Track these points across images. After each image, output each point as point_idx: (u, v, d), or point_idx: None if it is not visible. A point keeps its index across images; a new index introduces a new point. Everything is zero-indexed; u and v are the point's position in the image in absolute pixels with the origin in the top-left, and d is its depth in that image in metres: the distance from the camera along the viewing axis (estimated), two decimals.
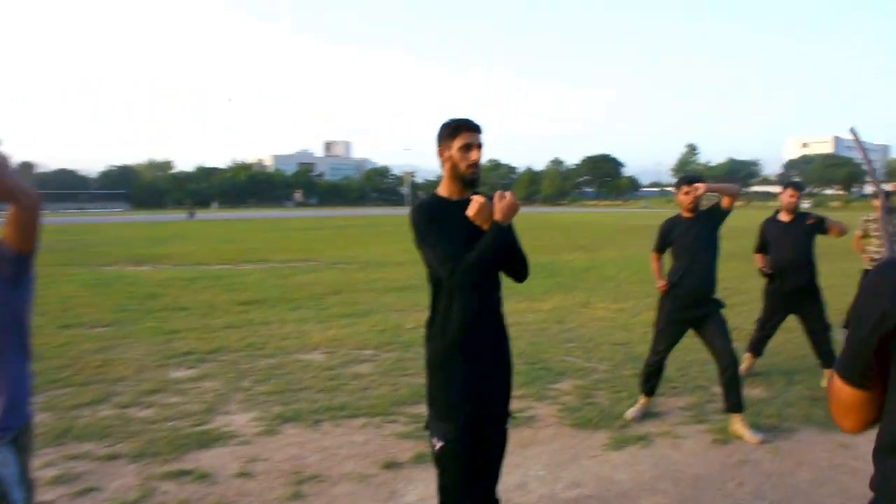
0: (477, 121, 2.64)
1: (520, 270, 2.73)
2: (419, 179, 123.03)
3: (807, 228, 5.91)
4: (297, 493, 3.75)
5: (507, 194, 2.58)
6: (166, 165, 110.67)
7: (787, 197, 5.99)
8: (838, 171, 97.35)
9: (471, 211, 2.55)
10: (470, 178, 2.63)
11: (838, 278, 9.83)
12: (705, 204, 4.98)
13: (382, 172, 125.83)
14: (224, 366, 6.50)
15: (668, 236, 5.05)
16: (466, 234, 2.55)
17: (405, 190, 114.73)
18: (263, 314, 9.26)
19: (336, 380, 5.99)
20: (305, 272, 14.36)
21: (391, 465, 4.14)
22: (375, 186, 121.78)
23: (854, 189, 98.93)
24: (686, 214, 4.93)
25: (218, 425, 4.84)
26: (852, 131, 1.76)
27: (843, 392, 1.38)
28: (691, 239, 4.86)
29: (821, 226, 5.89)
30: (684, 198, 4.84)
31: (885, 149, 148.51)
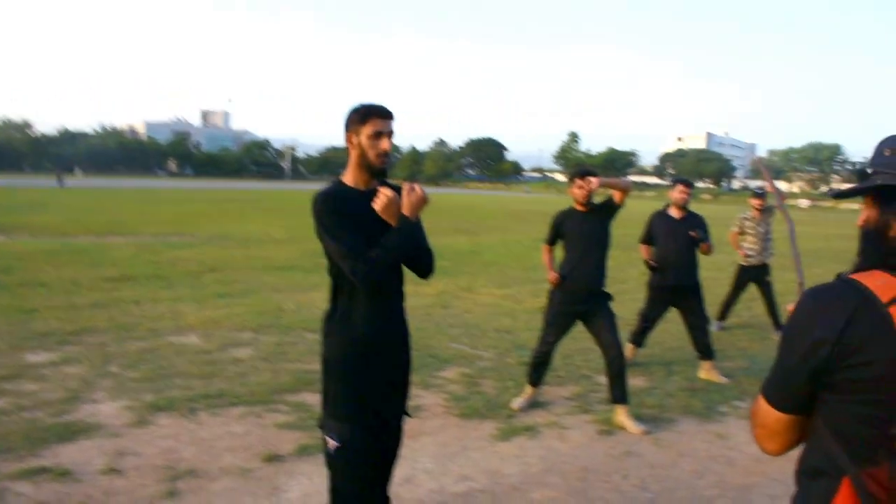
0: (388, 107, 2.53)
1: (424, 268, 2.63)
2: (300, 154, 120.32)
3: (689, 235, 6.12)
4: (171, 491, 3.51)
5: (416, 187, 2.48)
6: (24, 126, 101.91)
7: (677, 193, 6.19)
8: (709, 165, 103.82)
9: (377, 205, 2.44)
10: (379, 168, 2.53)
11: (712, 272, 10.42)
12: (597, 198, 5.06)
13: (262, 145, 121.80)
14: (89, 349, 6.04)
15: (561, 229, 5.10)
16: (373, 226, 2.45)
17: (286, 164, 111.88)
18: (134, 292, 8.70)
19: (213, 365, 5.70)
20: (180, 247, 13.66)
21: (273, 459, 3.96)
22: (255, 159, 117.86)
23: (723, 183, 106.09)
24: (579, 208, 4.99)
25: (82, 416, 4.46)
26: (760, 161, 1.83)
27: (770, 417, 1.38)
28: (583, 233, 4.93)
29: (697, 242, 6.11)
30: (578, 191, 4.89)
31: (752, 147, 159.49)
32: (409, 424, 4.55)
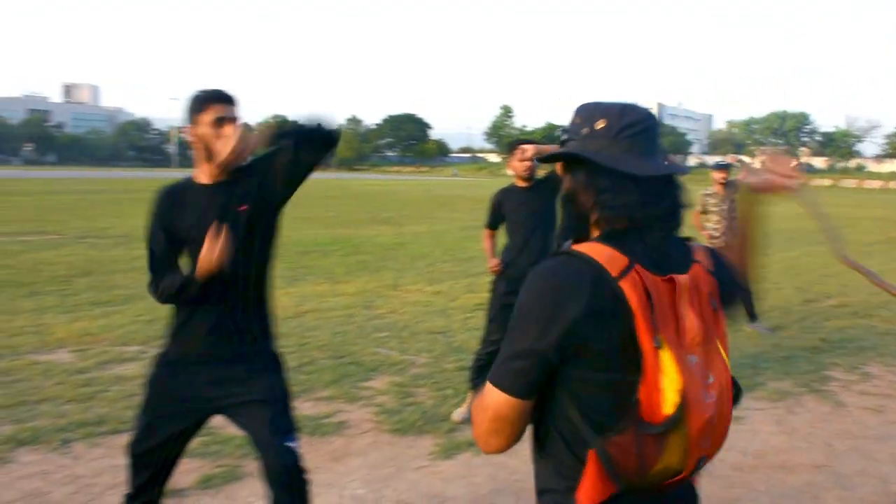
0: (229, 91, 2.65)
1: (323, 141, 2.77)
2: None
3: None
4: None
5: (221, 235, 2.55)
6: None
7: None
8: (662, 139, 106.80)
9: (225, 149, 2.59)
10: (228, 159, 2.62)
11: None
12: (540, 173, 5.04)
13: (142, 126, 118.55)
14: None
15: (501, 209, 5.07)
16: (217, 219, 2.60)
17: (172, 148, 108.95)
18: None
19: (90, 386, 5.44)
20: (43, 248, 13.08)
21: (170, 494, 3.76)
22: (133, 143, 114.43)
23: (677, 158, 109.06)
24: (521, 184, 4.96)
25: None
26: (845, 257, 1.95)
27: (506, 406, 1.47)
28: (528, 212, 4.91)
29: None
30: (519, 164, 4.86)
31: (708, 118, 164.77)
32: (331, 445, 4.46)
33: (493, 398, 1.47)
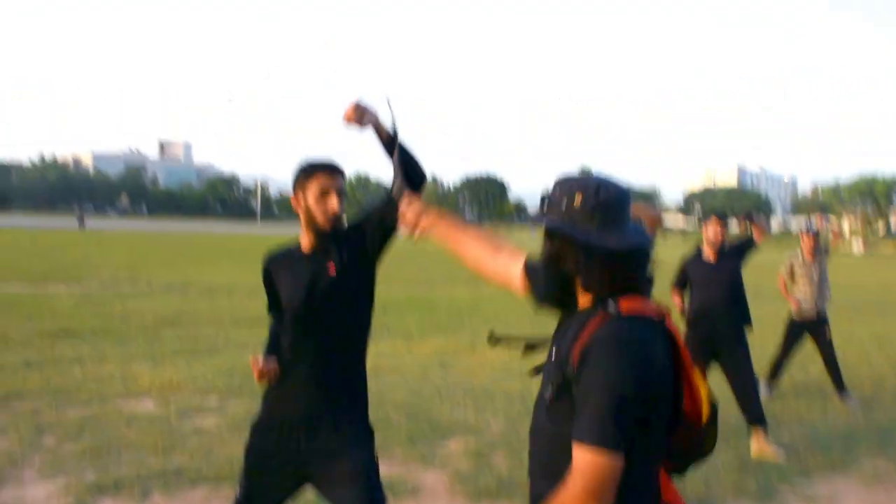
0: (337, 162, 2.66)
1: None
2: (274, 193, 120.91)
3: (733, 261, 6.16)
4: None
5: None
6: None
7: (712, 229, 6.15)
8: (743, 203, 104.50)
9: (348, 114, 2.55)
10: (328, 233, 2.64)
11: (757, 326, 10.23)
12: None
13: (229, 182, 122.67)
14: (19, 417, 5.86)
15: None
16: (311, 290, 2.65)
17: (256, 204, 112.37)
18: (76, 350, 8.54)
19: (171, 436, 5.53)
20: (133, 297, 13.56)
21: None
22: (220, 197, 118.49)
23: None
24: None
25: (6, 500, 4.28)
26: None
27: (609, 464, 1.52)
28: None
29: (748, 240, 6.21)
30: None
31: (793, 181, 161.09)
32: None
33: (593, 460, 1.51)
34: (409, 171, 2.61)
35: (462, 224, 2.26)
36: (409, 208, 2.29)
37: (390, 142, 2.60)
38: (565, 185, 1.72)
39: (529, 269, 2.07)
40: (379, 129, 2.60)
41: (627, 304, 1.66)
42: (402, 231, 2.51)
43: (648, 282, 1.76)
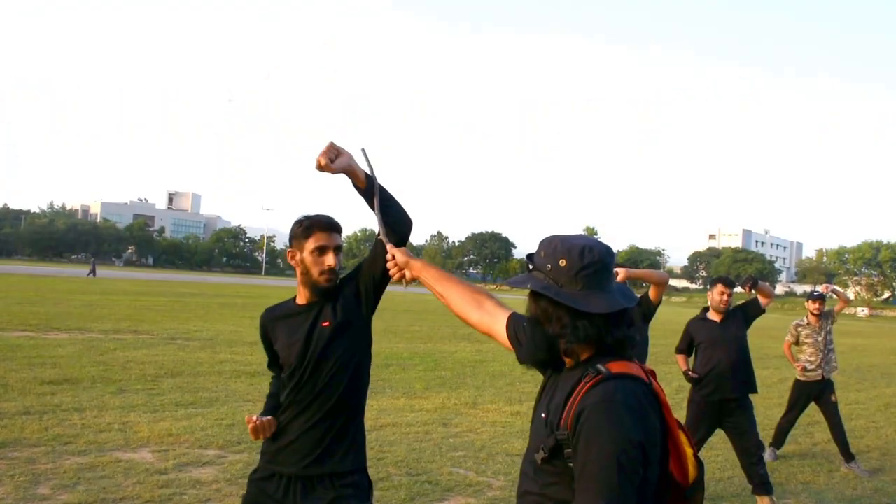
0: (335, 219, 2.69)
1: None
2: (279, 245, 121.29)
3: (739, 324, 6.16)
4: None
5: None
6: None
7: (717, 294, 6.18)
8: (748, 266, 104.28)
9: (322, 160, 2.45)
10: (324, 288, 2.66)
11: (762, 390, 10.17)
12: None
13: (236, 234, 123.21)
14: (15, 465, 5.80)
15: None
16: (304, 345, 2.67)
17: (261, 256, 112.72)
18: (75, 398, 8.48)
19: (169, 487, 5.47)
20: (134, 347, 13.48)
21: None
22: (226, 249, 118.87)
23: None
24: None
25: None
26: None
27: None
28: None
29: (753, 304, 6.24)
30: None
31: (798, 246, 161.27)
32: None
33: None
34: (392, 219, 2.58)
35: (447, 275, 2.28)
36: (393, 257, 2.32)
37: (368, 189, 2.56)
38: (550, 247, 1.73)
39: (513, 326, 2.09)
40: (354, 176, 2.53)
41: (615, 366, 1.66)
42: (392, 279, 2.52)
43: (634, 343, 1.75)
